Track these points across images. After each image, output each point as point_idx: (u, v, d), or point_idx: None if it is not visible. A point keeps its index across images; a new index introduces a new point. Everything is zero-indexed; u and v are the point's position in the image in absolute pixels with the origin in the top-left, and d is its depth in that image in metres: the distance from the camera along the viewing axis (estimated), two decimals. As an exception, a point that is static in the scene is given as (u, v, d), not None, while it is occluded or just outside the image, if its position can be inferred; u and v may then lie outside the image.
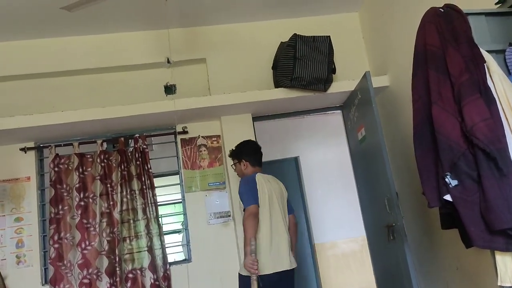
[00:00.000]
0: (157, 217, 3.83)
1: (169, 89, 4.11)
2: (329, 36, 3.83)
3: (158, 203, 3.91)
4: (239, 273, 2.95)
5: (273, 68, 3.97)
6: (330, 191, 5.97)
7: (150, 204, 3.83)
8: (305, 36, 3.76)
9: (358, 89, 3.70)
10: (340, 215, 5.86)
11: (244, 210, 2.92)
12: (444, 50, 1.53)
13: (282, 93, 3.80)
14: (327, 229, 5.88)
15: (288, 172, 6.10)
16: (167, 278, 3.70)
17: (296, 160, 6.18)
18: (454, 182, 1.43)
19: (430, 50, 1.58)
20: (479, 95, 1.55)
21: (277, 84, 3.88)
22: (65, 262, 3.64)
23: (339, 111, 4.39)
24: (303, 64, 3.66)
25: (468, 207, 1.40)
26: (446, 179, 1.43)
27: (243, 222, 2.86)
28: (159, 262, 3.73)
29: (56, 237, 3.66)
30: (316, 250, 5.86)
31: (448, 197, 1.46)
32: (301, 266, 5.78)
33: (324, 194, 5.95)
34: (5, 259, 3.58)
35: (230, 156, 3.36)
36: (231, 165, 3.38)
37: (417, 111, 1.60)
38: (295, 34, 3.76)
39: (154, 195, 3.88)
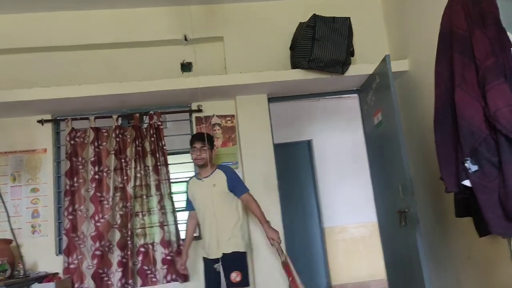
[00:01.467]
0: (170, 193, 3.87)
1: (186, 67, 4.09)
2: (349, 17, 3.76)
3: (172, 180, 3.95)
4: (238, 251, 3.19)
5: (291, 48, 3.92)
6: (342, 175, 5.94)
7: (164, 181, 3.87)
8: (324, 16, 3.70)
9: (376, 73, 3.65)
10: (351, 200, 5.84)
11: (244, 193, 3.32)
12: (471, 33, 1.49)
13: (299, 74, 3.76)
14: (338, 213, 5.88)
15: (301, 155, 6.09)
16: (180, 253, 3.75)
17: (309, 143, 6.15)
18: (474, 168, 1.41)
19: (456, 32, 1.54)
20: (504, 80, 1.51)
21: (294, 65, 3.84)
22: (78, 233, 3.71)
23: (355, 95, 4.34)
24: (321, 45, 3.61)
25: (486, 192, 1.38)
26: (466, 164, 1.41)
27: (253, 202, 3.28)
28: (173, 237, 3.78)
29: (70, 209, 3.73)
30: (326, 234, 5.88)
31: (467, 182, 1.44)
32: (310, 249, 5.82)
33: (336, 179, 5.94)
34: (20, 228, 3.65)
35: (207, 140, 3.35)
36: (202, 147, 3.32)
37: (439, 95, 1.57)
38: (314, 14, 3.70)
39: (167, 171, 3.91)
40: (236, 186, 3.32)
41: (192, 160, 3.41)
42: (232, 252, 3.16)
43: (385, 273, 4.09)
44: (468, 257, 3.21)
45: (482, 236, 2.90)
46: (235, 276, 3.07)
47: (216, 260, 3.20)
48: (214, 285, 3.22)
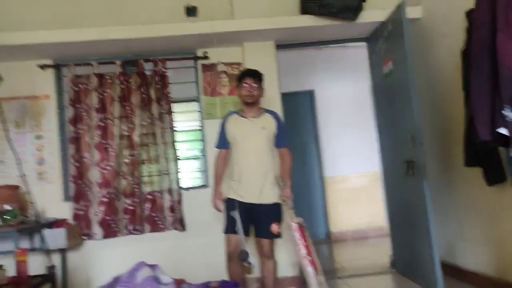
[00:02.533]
0: (173, 142, 3.84)
1: (191, 11, 3.91)
2: (363, -40, 3.60)
3: (175, 129, 3.91)
4: (279, 202, 3.04)
5: (301, -7, 3.77)
6: (345, 126, 5.93)
7: (167, 129, 3.83)
8: (337, -41, 3.53)
9: (389, 20, 3.54)
10: (352, 150, 5.87)
11: (285, 147, 3.15)
12: (516, -27, 1.41)
13: (309, 20, 3.64)
14: (339, 163, 5.92)
15: (303, 105, 6.03)
16: (179, 202, 3.79)
17: (311, 93, 6.08)
18: (512, 115, 1.38)
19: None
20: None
21: (304, 10, 3.70)
22: (85, 180, 3.71)
23: (362, 43, 4.24)
24: (334, -11, 3.47)
25: (523, 140, 1.36)
26: (504, 112, 1.38)
27: (290, 158, 3.15)
28: (174, 186, 3.79)
29: (76, 156, 3.71)
30: (327, 183, 5.95)
31: (502, 130, 1.41)
32: (310, 198, 5.92)
33: (338, 129, 5.92)
34: (27, 175, 3.63)
35: (257, 76, 3.08)
36: (253, 84, 3.04)
37: (478, 39, 1.51)
38: (327, -44, 3.53)
39: (171, 120, 3.86)
40: (282, 135, 3.13)
41: (240, 96, 3.10)
42: (274, 203, 3.02)
43: (386, 221, 4.17)
44: (472, 206, 3.27)
45: (490, 185, 2.96)
46: (277, 228, 2.97)
47: (240, 205, 2.98)
48: (233, 228, 3.00)
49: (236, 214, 2.93)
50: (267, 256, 3.00)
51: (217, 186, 3.19)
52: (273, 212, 3.01)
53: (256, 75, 3.07)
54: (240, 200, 3.00)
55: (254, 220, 3.01)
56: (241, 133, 3.07)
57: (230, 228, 3.00)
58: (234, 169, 3.08)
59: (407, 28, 3.28)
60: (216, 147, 3.24)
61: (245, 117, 3.10)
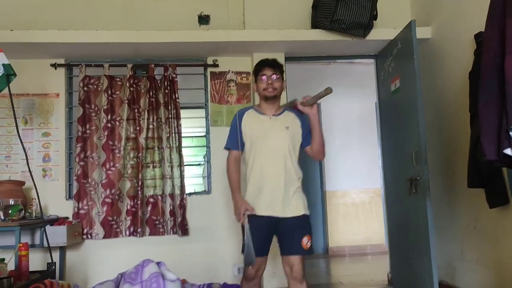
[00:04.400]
0: (179, 147, 3.87)
1: (203, 20, 4.00)
2: (375, -21, 3.66)
3: (182, 134, 3.94)
4: (307, 214, 2.59)
5: (313, 7, 3.82)
6: (348, 141, 5.97)
7: (174, 134, 3.86)
8: (350, -24, 3.59)
9: (399, 38, 3.59)
10: (355, 166, 5.90)
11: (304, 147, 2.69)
12: (527, -2, 1.45)
13: (320, 35, 3.70)
14: (341, 178, 5.95)
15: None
16: (182, 207, 3.80)
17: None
18: (518, 137, 1.41)
19: (510, -4, 1.50)
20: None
21: (315, 25, 3.76)
22: (89, 180, 3.74)
23: (371, 60, 4.30)
24: (346, 6, 3.53)
25: (529, 162, 1.39)
26: (511, 133, 1.41)
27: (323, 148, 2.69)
28: (177, 191, 3.81)
29: (82, 155, 3.74)
30: (327, 197, 5.97)
31: (508, 151, 1.44)
32: (310, 211, 5.91)
33: (341, 144, 5.95)
34: (32, 171, 3.66)
35: (277, 66, 2.64)
36: (273, 76, 2.60)
37: (486, 61, 1.54)
38: (340, -27, 3.59)
39: (179, 125, 3.90)
40: (308, 135, 2.67)
41: (258, 91, 2.65)
42: (303, 215, 2.55)
43: (385, 238, 4.18)
44: (474, 227, 3.28)
45: (492, 207, 2.97)
46: (307, 242, 2.49)
47: (260, 220, 2.49)
48: (267, 243, 2.54)
49: (248, 235, 2.43)
50: (298, 278, 2.49)
51: (237, 193, 2.58)
52: (302, 224, 2.54)
53: (275, 65, 2.64)
54: (259, 214, 2.50)
55: (279, 236, 2.55)
56: (260, 133, 2.58)
57: None
58: (251, 176, 2.58)
59: (417, 46, 3.33)
60: (227, 148, 2.68)
61: (264, 115, 2.64)
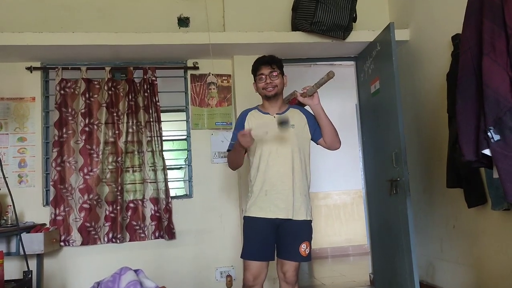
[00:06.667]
0: (161, 151, 3.83)
1: (183, 22, 3.96)
2: (354, -19, 3.69)
3: (163, 138, 3.90)
4: (310, 220, 2.53)
5: (293, 9, 3.82)
6: (329, 143, 5.99)
7: (156, 138, 3.81)
8: (329, -22, 3.61)
9: (378, 40, 3.62)
10: (336, 167, 5.92)
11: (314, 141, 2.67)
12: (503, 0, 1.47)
13: (300, 37, 3.70)
14: (322, 180, 5.96)
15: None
16: (168, 210, 3.75)
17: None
18: (496, 137, 1.41)
19: (487, -2, 1.52)
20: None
21: (295, 27, 3.76)
22: (66, 185, 3.66)
23: (351, 63, 4.33)
24: (325, 8, 3.55)
25: (507, 162, 1.40)
26: (489, 133, 1.42)
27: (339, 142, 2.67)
28: (162, 195, 3.76)
29: (59, 160, 3.65)
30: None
31: (487, 151, 1.45)
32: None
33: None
34: (7, 177, 3.56)
35: (274, 62, 2.56)
36: (272, 73, 2.53)
37: (464, 62, 1.56)
38: (319, -25, 3.61)
39: (160, 128, 3.85)
40: (317, 128, 2.61)
41: (258, 91, 2.59)
42: (306, 220, 2.49)
43: (366, 239, 4.20)
44: (453, 226, 3.32)
45: (471, 207, 3.01)
46: (305, 248, 2.45)
47: (266, 222, 2.45)
48: (253, 253, 2.47)
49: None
50: (290, 283, 2.47)
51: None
52: (303, 230, 2.49)
53: (273, 62, 2.55)
54: (265, 216, 2.45)
55: (278, 238, 2.50)
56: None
57: (249, 253, 2.48)
58: (256, 178, 2.51)
59: (396, 48, 3.36)
60: (229, 150, 2.65)
61: (268, 114, 2.58)
